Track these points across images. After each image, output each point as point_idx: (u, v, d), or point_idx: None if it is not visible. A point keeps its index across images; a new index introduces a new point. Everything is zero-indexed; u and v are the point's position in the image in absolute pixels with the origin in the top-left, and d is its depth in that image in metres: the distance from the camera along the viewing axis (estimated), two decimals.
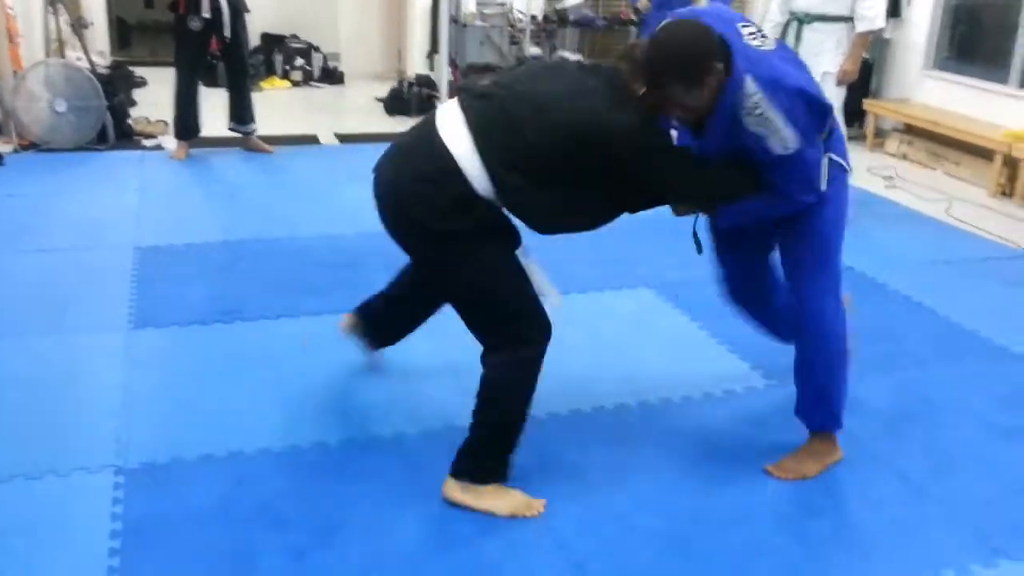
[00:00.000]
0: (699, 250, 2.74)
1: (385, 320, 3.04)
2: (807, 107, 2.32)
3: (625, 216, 2.51)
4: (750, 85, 2.26)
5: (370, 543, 2.35)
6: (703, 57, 2.23)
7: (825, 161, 2.47)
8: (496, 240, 2.41)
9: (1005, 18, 6.32)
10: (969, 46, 6.85)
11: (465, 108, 2.35)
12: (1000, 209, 5.61)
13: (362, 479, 2.60)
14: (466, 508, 2.47)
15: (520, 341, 2.41)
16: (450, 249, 2.37)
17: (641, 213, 2.53)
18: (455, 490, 2.50)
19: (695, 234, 2.72)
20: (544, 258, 2.59)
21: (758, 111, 2.27)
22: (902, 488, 2.68)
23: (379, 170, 2.47)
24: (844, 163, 2.59)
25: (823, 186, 2.47)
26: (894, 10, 6.79)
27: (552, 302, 2.50)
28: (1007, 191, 5.85)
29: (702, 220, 2.73)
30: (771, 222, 2.61)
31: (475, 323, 2.47)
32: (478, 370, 2.44)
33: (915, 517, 2.56)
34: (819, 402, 2.73)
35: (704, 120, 2.37)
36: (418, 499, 2.52)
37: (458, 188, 2.29)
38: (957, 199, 5.73)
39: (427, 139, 2.36)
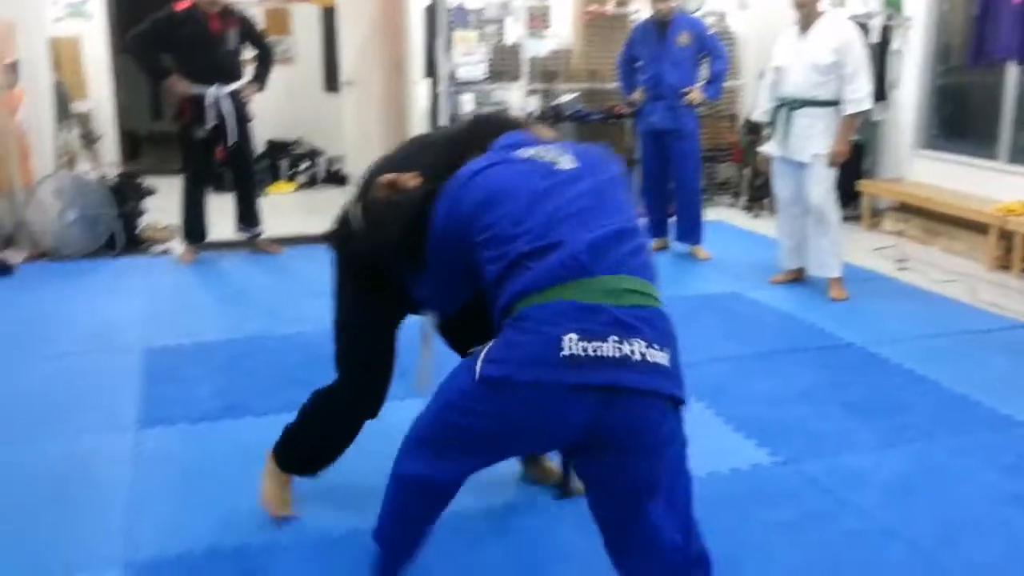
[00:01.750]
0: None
1: None
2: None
3: None
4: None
5: None
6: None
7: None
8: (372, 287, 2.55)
9: (990, 96, 6.48)
10: (957, 124, 7.00)
11: None
12: (999, 282, 5.66)
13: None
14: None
15: (340, 380, 2.68)
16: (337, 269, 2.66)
17: None
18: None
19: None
20: None
21: None
22: (911, 556, 2.67)
23: None
24: (479, 366, 1.92)
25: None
26: (880, 93, 6.99)
27: (417, 385, 2.57)
28: (1005, 264, 5.91)
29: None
30: None
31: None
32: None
33: None
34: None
35: None
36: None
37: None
38: (955, 274, 5.79)
39: None
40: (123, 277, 5.77)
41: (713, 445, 3.39)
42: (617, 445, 1.89)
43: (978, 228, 6.16)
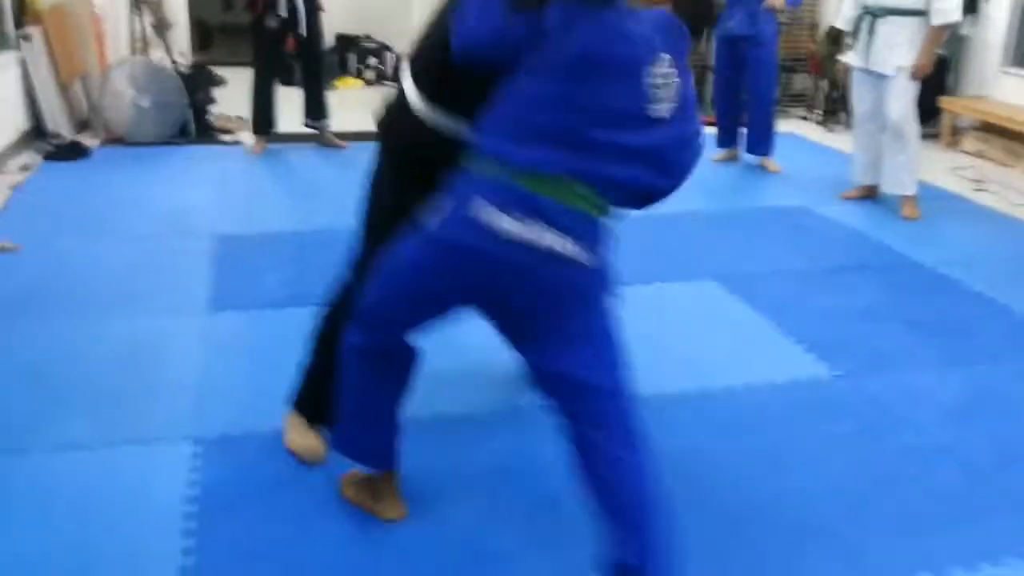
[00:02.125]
0: None
1: None
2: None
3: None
4: None
5: (439, 514, 2.42)
6: None
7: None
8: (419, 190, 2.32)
9: None
10: None
11: None
12: None
13: (423, 455, 2.67)
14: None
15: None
16: (383, 162, 2.47)
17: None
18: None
19: None
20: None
21: None
22: (965, 477, 2.67)
23: None
24: (430, 223, 2.04)
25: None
26: (971, 6, 6.69)
27: None
28: None
29: None
30: None
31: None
32: None
33: (977, 505, 2.54)
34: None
35: None
36: (501, 477, 2.59)
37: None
38: None
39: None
40: (194, 165, 5.87)
41: (773, 356, 3.40)
42: (532, 304, 2.02)
43: None
